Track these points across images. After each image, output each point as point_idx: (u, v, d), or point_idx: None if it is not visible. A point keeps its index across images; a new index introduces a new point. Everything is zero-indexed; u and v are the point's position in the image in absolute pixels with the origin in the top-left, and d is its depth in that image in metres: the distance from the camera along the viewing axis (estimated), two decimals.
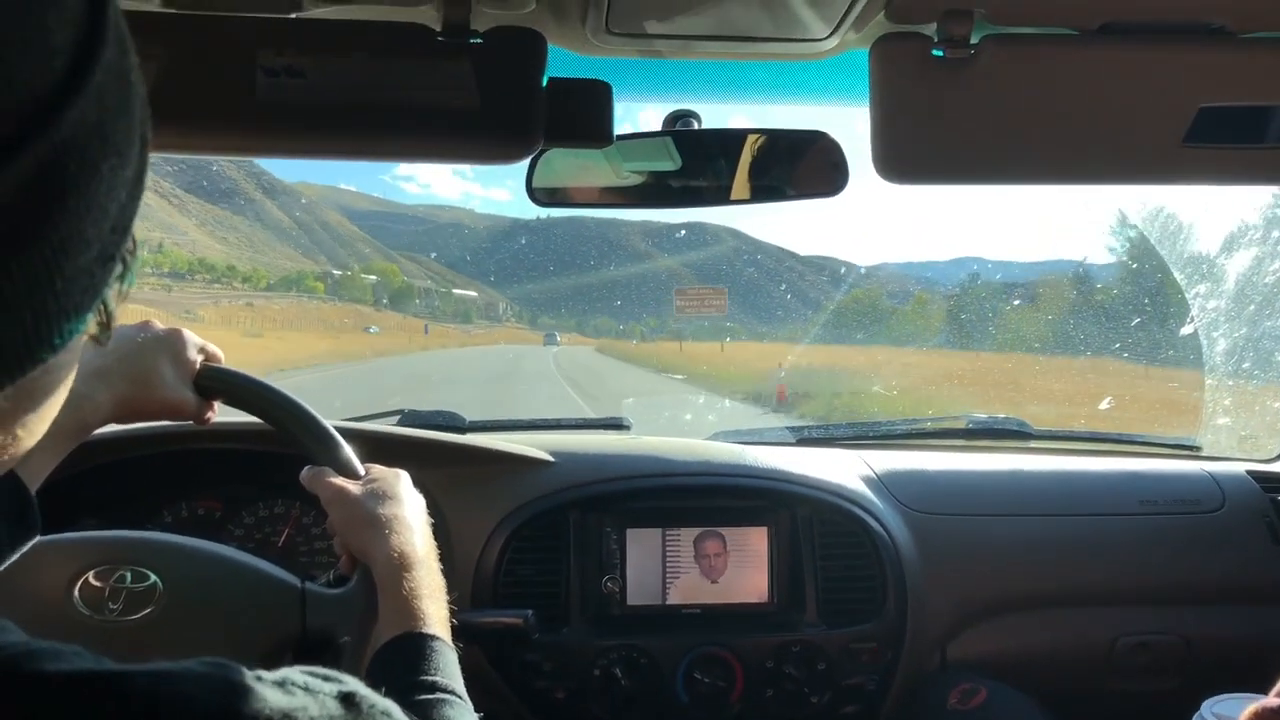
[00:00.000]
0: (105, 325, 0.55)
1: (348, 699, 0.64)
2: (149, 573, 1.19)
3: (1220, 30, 1.20)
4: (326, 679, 0.65)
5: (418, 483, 1.30)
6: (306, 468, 1.25)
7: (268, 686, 0.59)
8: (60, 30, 0.46)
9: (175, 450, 1.68)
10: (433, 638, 1.03)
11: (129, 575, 1.19)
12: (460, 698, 0.96)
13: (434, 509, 1.28)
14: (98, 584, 1.17)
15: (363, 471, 1.25)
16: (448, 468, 1.72)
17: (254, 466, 1.70)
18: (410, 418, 2.01)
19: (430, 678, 0.97)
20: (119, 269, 0.53)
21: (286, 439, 1.29)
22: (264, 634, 1.20)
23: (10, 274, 0.45)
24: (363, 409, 2.07)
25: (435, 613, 1.08)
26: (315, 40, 1.09)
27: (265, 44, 1.08)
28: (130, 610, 1.17)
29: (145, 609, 1.17)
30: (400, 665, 0.99)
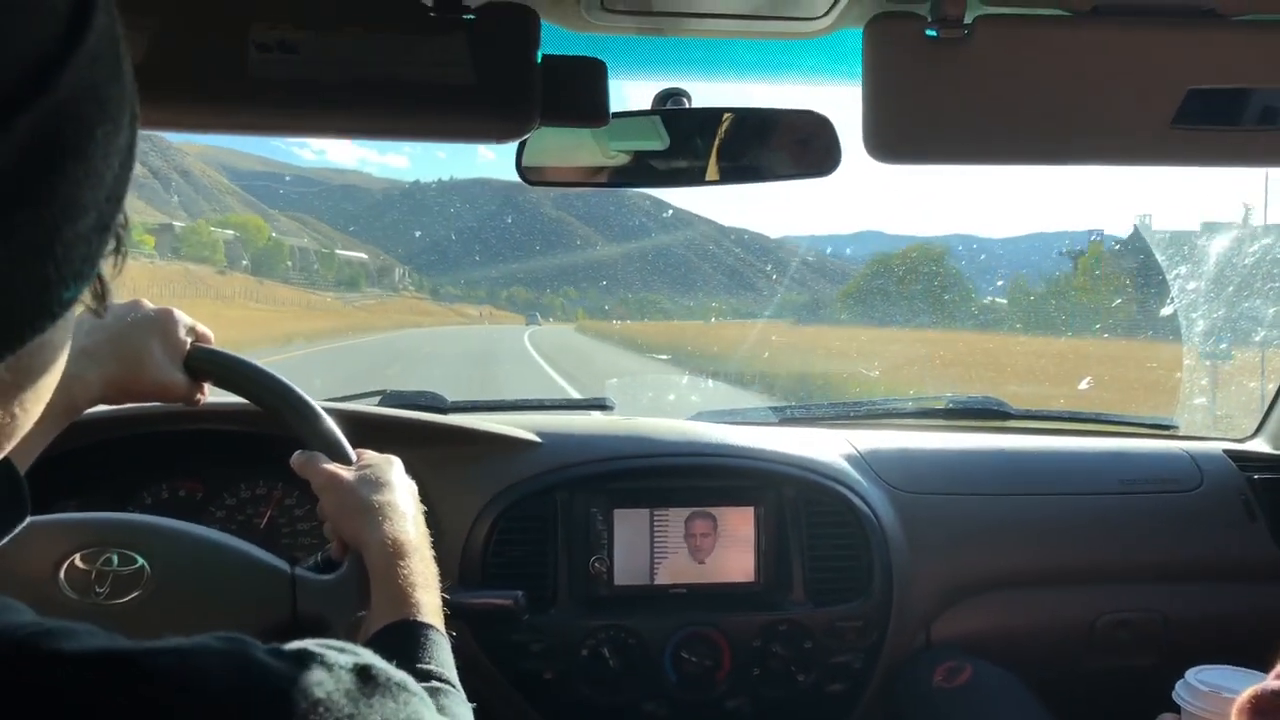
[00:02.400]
0: (100, 297, 0.54)
1: (363, 671, 0.64)
2: (136, 556, 1.18)
3: (1209, 13, 1.21)
4: (342, 651, 0.65)
5: (406, 464, 1.30)
6: (298, 453, 1.23)
7: (284, 660, 0.59)
8: None
9: (155, 432, 1.66)
10: (427, 626, 1.03)
11: (116, 558, 1.17)
12: (455, 687, 0.96)
13: (421, 490, 1.27)
14: (84, 566, 1.16)
15: (355, 457, 1.24)
16: (435, 448, 1.72)
17: (234, 447, 1.69)
18: (392, 398, 2.00)
19: (424, 666, 0.97)
20: (112, 242, 0.53)
21: (278, 423, 1.28)
22: (253, 619, 1.19)
23: (12, 237, 0.45)
24: None
25: (429, 601, 1.07)
26: (307, 14, 1.07)
27: (257, 18, 1.06)
28: (117, 594, 1.16)
29: (132, 592, 1.16)
30: (394, 653, 0.99)
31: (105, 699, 0.51)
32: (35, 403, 0.56)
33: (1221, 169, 1.36)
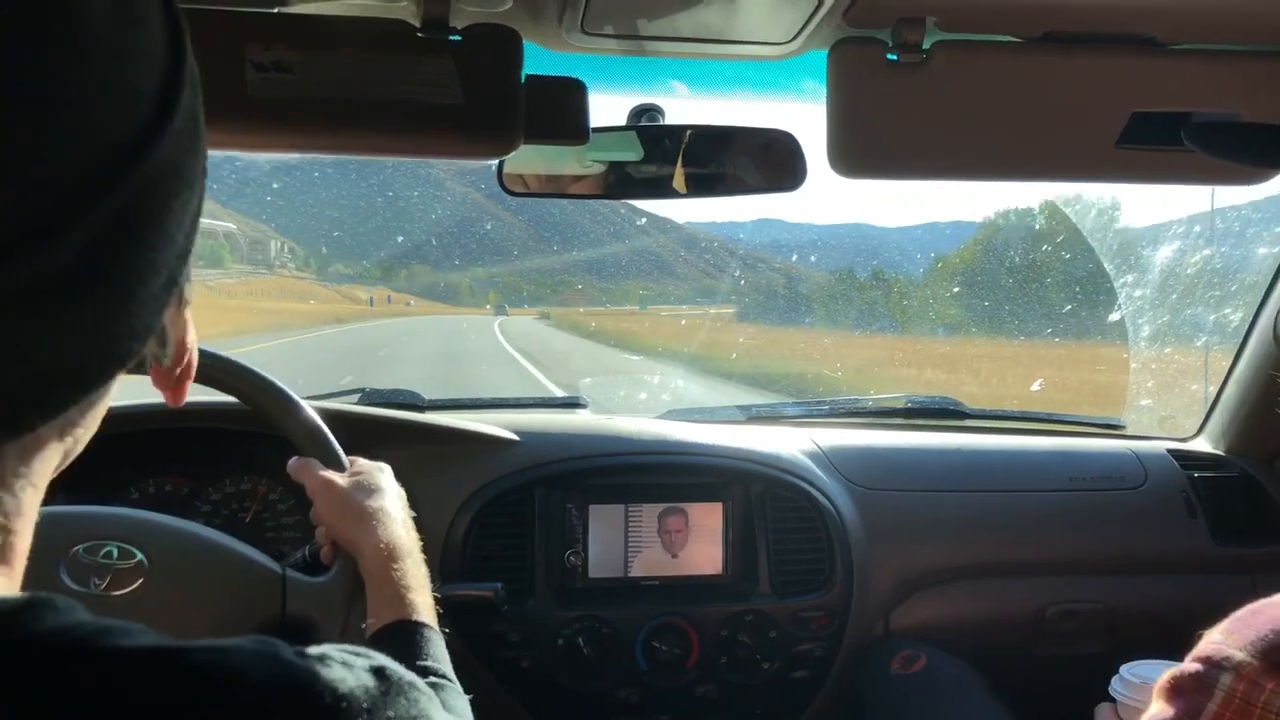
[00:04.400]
0: (163, 344, 0.59)
1: (379, 672, 0.68)
2: (135, 550, 1.22)
3: (1151, 40, 1.29)
4: (357, 654, 0.68)
5: (390, 461, 1.35)
6: (294, 459, 1.29)
7: (310, 660, 0.63)
8: (149, 77, 0.50)
9: (141, 429, 1.70)
10: (423, 625, 1.08)
11: (115, 551, 1.22)
12: (452, 681, 1.01)
13: (405, 487, 1.33)
14: (85, 559, 1.21)
15: (348, 464, 1.30)
16: (418, 447, 1.77)
17: (220, 443, 1.72)
18: (371, 396, 2.05)
19: (423, 663, 1.02)
20: (179, 290, 0.57)
21: (274, 427, 1.33)
22: (245, 617, 1.24)
23: (94, 303, 0.49)
24: None
25: (423, 601, 1.13)
26: (301, 35, 1.11)
27: (251, 38, 1.10)
28: (115, 586, 1.20)
29: (131, 585, 1.20)
30: (395, 652, 1.04)
31: (161, 693, 0.54)
32: (93, 427, 0.60)
33: (1162, 186, 1.44)
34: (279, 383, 1.38)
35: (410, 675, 0.72)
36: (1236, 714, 0.69)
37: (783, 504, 1.85)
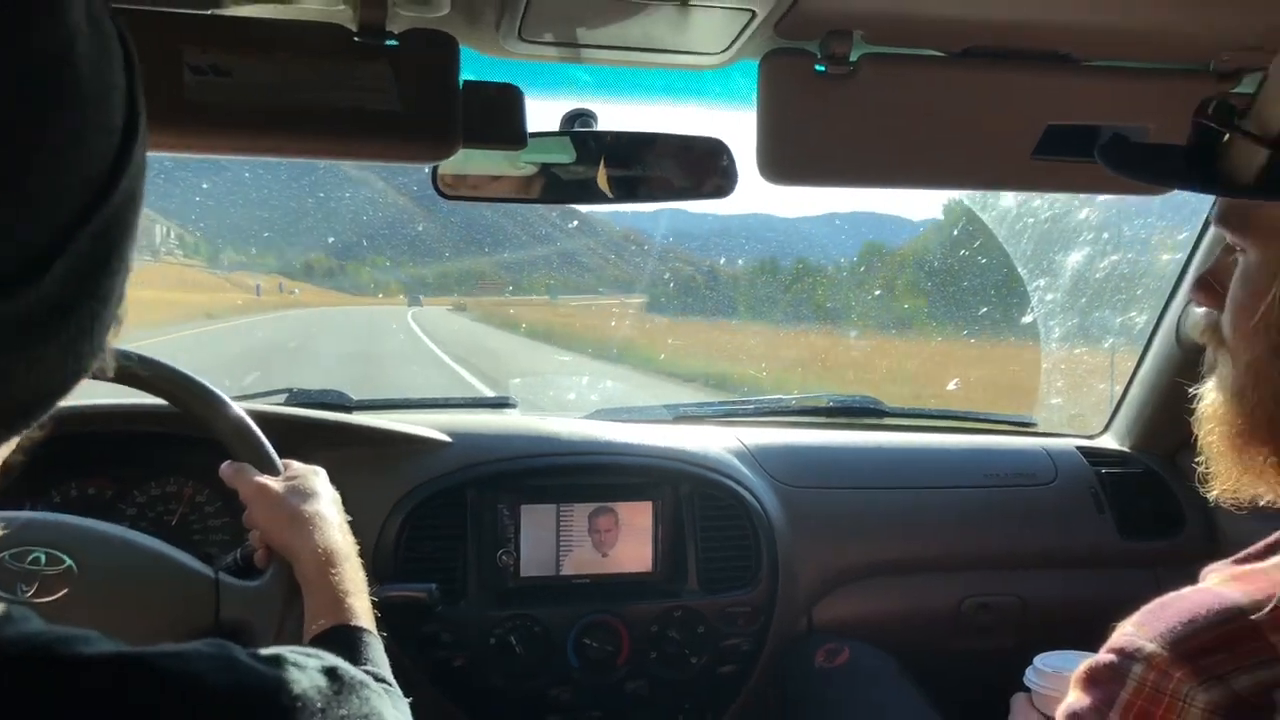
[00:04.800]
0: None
1: (331, 672, 0.69)
2: (64, 556, 1.20)
3: (1067, 58, 1.35)
4: (309, 655, 0.69)
5: (322, 463, 1.35)
6: (227, 463, 1.28)
7: (264, 662, 0.64)
8: (118, 110, 0.51)
9: (63, 432, 1.66)
10: (362, 629, 1.09)
11: (43, 557, 1.20)
12: (391, 684, 1.01)
13: (336, 489, 1.33)
14: (11, 565, 1.18)
15: (282, 468, 1.29)
16: (350, 448, 1.76)
17: (144, 445, 1.69)
18: (298, 396, 2.03)
19: (365, 668, 1.01)
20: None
21: (203, 430, 1.31)
22: (177, 623, 1.23)
23: (69, 330, 0.50)
24: None
25: (362, 606, 1.13)
26: (238, 38, 1.10)
27: (188, 40, 1.09)
28: (43, 593, 1.18)
29: (59, 592, 1.18)
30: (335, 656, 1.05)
31: (127, 699, 0.55)
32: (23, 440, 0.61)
33: (1076, 195, 1.51)
34: (207, 383, 1.36)
35: (361, 675, 0.73)
36: (1147, 701, 0.73)
37: (711, 502, 1.88)
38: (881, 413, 2.40)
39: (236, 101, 1.09)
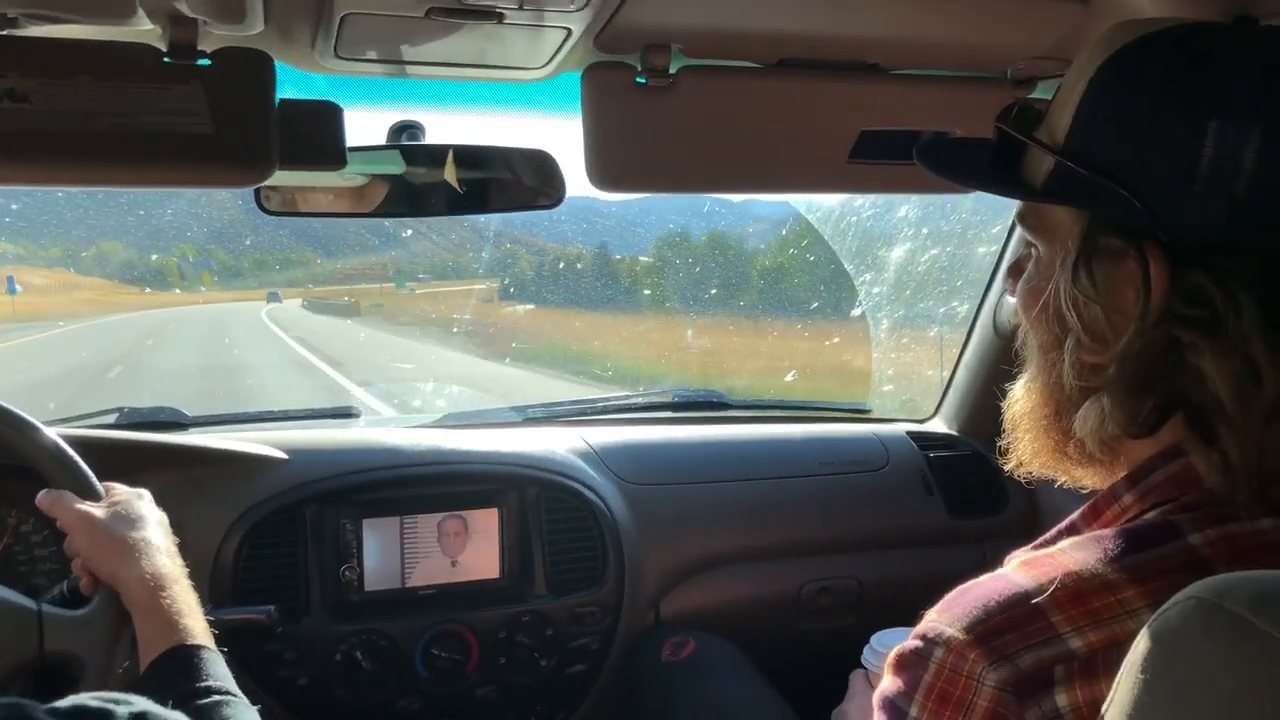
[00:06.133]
0: None
1: (142, 717, 0.68)
2: None
3: (875, 67, 1.42)
4: (117, 702, 0.68)
5: (151, 487, 1.31)
6: (44, 491, 1.23)
7: (63, 718, 0.63)
8: None
9: None
10: (200, 647, 1.08)
11: None
12: (236, 695, 1.01)
13: (168, 512, 1.29)
14: None
15: (103, 492, 1.25)
16: (180, 470, 1.71)
17: None
18: (129, 415, 1.96)
19: (206, 683, 1.01)
20: None
21: (17, 457, 1.26)
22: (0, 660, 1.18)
23: None
24: None
25: (198, 625, 1.11)
26: (37, 61, 1.05)
27: None
28: None
29: None
30: (176, 677, 1.02)
31: None
32: None
33: (890, 195, 1.59)
34: (14, 409, 1.30)
35: (175, 715, 0.72)
36: (946, 683, 0.79)
37: (556, 505, 1.90)
38: (726, 405, 2.46)
39: (37, 130, 1.04)
